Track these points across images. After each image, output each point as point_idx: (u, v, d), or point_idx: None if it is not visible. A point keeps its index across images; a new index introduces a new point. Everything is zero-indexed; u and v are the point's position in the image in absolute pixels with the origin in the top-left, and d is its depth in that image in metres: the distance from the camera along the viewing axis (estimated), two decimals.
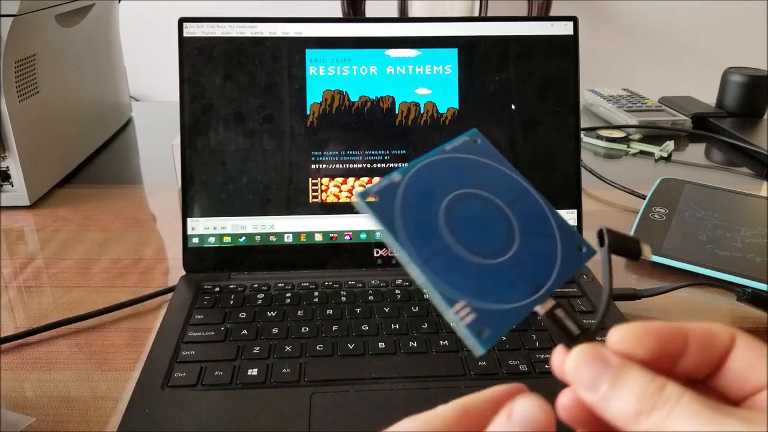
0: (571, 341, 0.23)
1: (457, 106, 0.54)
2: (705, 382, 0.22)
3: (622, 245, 0.26)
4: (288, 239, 0.53)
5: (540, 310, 0.24)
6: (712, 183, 0.69)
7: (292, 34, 0.52)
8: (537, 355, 0.42)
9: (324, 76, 0.53)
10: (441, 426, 0.22)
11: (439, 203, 0.25)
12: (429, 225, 0.24)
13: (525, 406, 0.22)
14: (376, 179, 0.53)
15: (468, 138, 0.27)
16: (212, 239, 0.52)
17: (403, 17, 1.62)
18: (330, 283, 0.51)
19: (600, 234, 0.26)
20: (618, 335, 0.21)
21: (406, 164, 0.25)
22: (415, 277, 0.23)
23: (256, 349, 0.43)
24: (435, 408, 0.22)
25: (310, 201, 0.53)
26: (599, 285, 0.51)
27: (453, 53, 0.53)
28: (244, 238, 0.53)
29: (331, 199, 0.53)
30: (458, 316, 0.22)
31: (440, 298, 0.22)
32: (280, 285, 0.50)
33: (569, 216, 0.54)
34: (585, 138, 0.91)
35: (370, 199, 0.24)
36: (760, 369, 0.21)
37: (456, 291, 0.23)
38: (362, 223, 0.53)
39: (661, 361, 0.21)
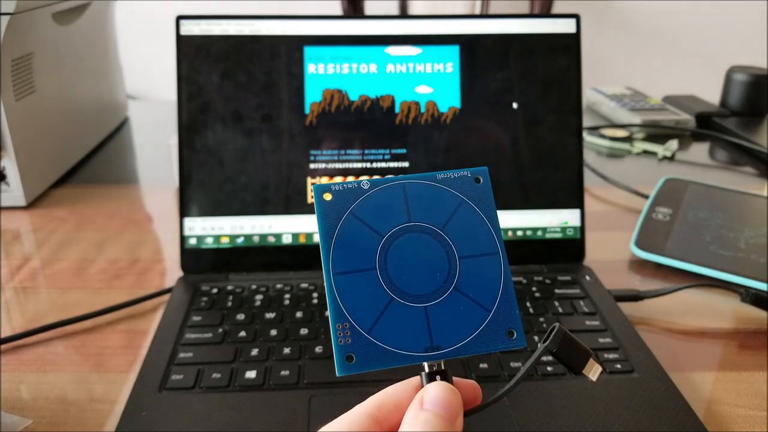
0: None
1: (458, 104, 0.53)
2: None
3: (569, 355, 0.24)
4: (287, 240, 0.52)
5: (426, 367, 0.23)
6: (716, 182, 0.68)
7: (290, 32, 0.52)
8: None
9: (323, 75, 0.52)
10: (358, 426, 0.22)
11: (390, 227, 0.24)
12: (365, 242, 0.23)
13: (435, 390, 0.22)
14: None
15: (468, 174, 0.25)
16: (210, 240, 0.52)
17: (404, 14, 1.61)
18: None
19: (552, 332, 0.24)
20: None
21: (387, 177, 0.24)
22: (325, 283, 0.23)
23: (255, 351, 0.43)
24: (350, 410, 0.23)
25: (309, 201, 0.52)
26: (602, 286, 0.51)
27: (454, 51, 0.53)
28: (242, 238, 0.52)
29: None
30: (337, 334, 0.22)
31: (331, 311, 0.22)
32: (278, 286, 0.50)
33: (572, 216, 0.54)
34: (588, 137, 0.90)
35: (326, 195, 0.24)
36: None
37: (348, 313, 0.23)
38: None
39: None
